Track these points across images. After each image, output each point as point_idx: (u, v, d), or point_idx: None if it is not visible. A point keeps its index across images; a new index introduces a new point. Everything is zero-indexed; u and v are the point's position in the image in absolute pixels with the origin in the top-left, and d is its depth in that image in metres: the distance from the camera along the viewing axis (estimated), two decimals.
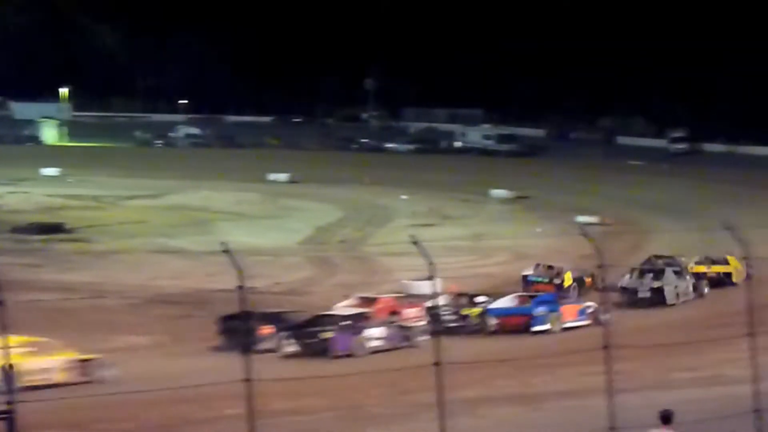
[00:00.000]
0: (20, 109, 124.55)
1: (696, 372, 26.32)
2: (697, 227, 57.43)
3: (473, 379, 24.09)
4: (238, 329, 37.67)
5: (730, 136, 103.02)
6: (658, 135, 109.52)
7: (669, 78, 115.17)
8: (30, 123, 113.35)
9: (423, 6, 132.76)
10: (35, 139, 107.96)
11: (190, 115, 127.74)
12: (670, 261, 44.09)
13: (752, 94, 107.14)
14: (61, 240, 53.22)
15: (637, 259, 46.05)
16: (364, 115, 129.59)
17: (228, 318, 30.76)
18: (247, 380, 14.21)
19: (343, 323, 32.18)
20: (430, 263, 16.41)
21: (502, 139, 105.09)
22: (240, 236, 53.40)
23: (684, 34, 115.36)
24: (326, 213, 67.37)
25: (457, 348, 22.66)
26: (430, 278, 17.98)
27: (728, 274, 47.19)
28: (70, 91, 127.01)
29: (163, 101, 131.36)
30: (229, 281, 20.45)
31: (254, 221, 63.46)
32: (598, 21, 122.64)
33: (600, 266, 18.65)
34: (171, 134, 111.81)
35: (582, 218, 60.53)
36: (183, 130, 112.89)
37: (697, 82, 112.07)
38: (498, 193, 75.45)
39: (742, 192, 73.11)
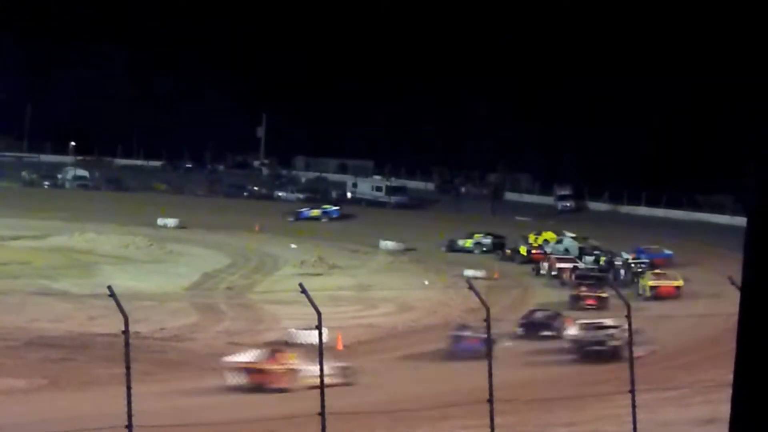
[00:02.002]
0: None
1: (575, 427, 26.63)
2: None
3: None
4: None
5: (614, 195, 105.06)
6: (546, 192, 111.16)
7: (556, 134, 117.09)
8: None
9: (316, 55, 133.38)
10: None
11: (78, 157, 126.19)
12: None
13: (637, 151, 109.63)
14: None
15: (521, 313, 46.52)
16: (255, 163, 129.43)
17: None
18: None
19: None
20: (317, 312, 16.43)
21: (392, 190, 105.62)
22: (125, 280, 52.81)
23: (575, 94, 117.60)
24: (214, 259, 66.99)
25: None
26: (316, 327, 17.99)
27: (678, 288, 56.82)
28: None
29: (51, 142, 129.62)
30: (112, 325, 20.32)
31: (140, 265, 62.81)
32: (486, 78, 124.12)
33: (485, 320, 18.84)
34: (59, 175, 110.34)
35: (469, 272, 61.18)
36: (71, 172, 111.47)
37: (583, 139, 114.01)
38: (386, 244, 75.79)
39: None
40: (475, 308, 21.75)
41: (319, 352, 17.72)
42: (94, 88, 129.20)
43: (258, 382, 31.42)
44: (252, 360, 32.53)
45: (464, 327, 38.94)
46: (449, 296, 52.92)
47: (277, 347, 35.46)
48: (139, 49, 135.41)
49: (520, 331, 42.83)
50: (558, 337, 41.71)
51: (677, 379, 32.27)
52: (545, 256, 68.26)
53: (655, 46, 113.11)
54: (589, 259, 67.79)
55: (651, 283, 57.40)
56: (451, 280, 59.15)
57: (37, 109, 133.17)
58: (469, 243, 74.68)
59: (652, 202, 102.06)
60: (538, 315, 44.95)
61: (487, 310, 18.37)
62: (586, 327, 39.60)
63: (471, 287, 19.55)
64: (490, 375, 17.54)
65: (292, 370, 31.54)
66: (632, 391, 18.61)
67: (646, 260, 65.55)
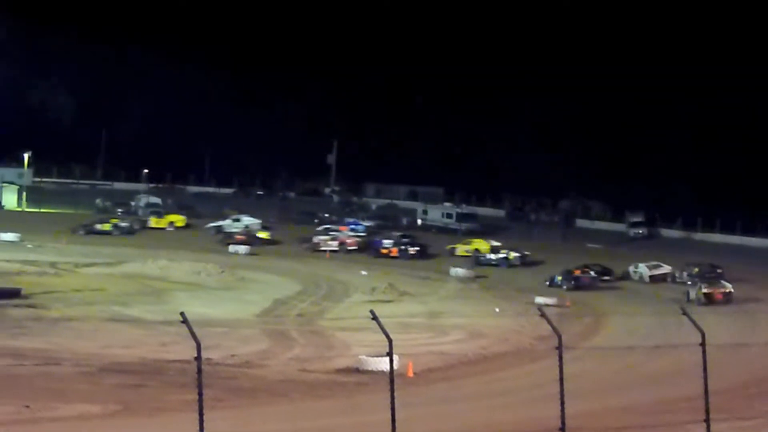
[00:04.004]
0: None
1: None
2: (653, 312, 57.80)
3: None
4: None
5: (687, 222, 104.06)
6: (617, 219, 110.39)
7: (629, 161, 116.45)
8: None
9: (387, 83, 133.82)
10: None
11: (151, 185, 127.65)
12: None
13: (711, 178, 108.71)
14: (16, 306, 52.71)
15: (593, 343, 46.12)
16: (326, 190, 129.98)
17: None
18: None
19: None
20: (389, 339, 16.39)
21: (462, 217, 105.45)
22: (197, 307, 53.15)
23: (643, 121, 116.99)
24: (285, 286, 67.22)
25: None
26: (387, 354, 17.95)
27: (729, 293, 64.60)
28: (30, 157, 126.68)
29: (125, 170, 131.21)
30: (183, 351, 20.40)
31: (212, 292, 63.18)
32: (560, 105, 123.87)
33: (557, 348, 18.68)
34: (132, 203, 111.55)
35: (540, 299, 60.81)
36: (144, 200, 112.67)
37: (656, 166, 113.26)
38: (457, 271, 75.71)
39: None
40: (547, 336, 21.54)
41: (390, 379, 17.66)
42: (168, 117, 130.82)
43: None
44: None
45: None
46: (520, 324, 52.59)
47: None
48: (211, 78, 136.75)
49: None
50: None
51: (754, 409, 31.74)
52: None
53: (726, 70, 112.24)
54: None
55: (704, 290, 64.47)
56: (522, 308, 58.82)
57: (112, 138, 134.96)
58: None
59: (727, 229, 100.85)
60: None
61: (559, 337, 18.22)
62: None
63: (542, 315, 19.41)
64: (563, 404, 17.36)
65: None
66: (707, 420, 18.33)
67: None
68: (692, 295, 65.09)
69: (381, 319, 17.37)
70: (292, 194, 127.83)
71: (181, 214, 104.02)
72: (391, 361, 17.79)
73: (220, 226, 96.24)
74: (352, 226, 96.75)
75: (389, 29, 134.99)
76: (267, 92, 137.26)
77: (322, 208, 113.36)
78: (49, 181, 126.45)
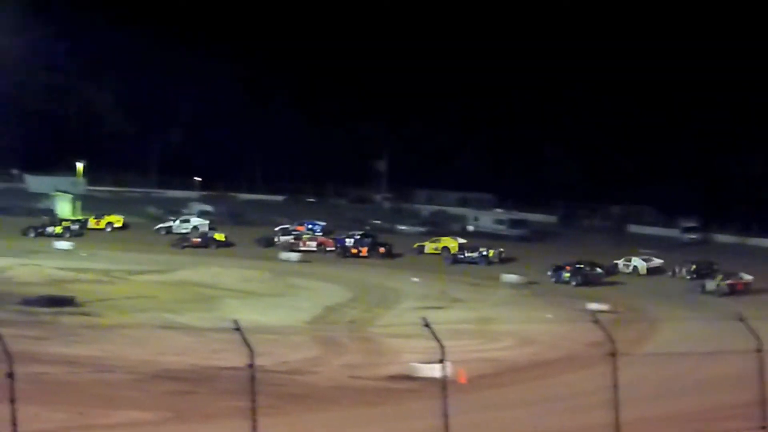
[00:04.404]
0: (35, 182, 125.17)
1: None
2: (707, 317, 57.27)
3: None
4: None
5: (742, 227, 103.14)
6: (670, 224, 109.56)
7: (681, 166, 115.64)
8: (44, 196, 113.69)
9: (437, 90, 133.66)
10: (49, 213, 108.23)
11: (203, 192, 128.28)
12: None
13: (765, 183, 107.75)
14: (70, 313, 53.14)
15: (647, 348, 45.78)
16: (377, 197, 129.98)
17: None
18: None
19: None
20: (441, 346, 16.31)
21: (514, 224, 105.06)
22: (248, 314, 53.31)
23: (697, 124, 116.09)
24: (335, 293, 67.30)
25: None
26: (439, 361, 17.88)
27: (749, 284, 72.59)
28: (84, 166, 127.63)
29: (178, 178, 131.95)
30: (234, 358, 20.39)
31: (263, 299, 63.37)
32: (611, 110, 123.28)
33: (612, 354, 18.53)
34: (184, 210, 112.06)
35: (592, 305, 60.44)
36: (196, 207, 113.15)
37: (709, 171, 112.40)
38: (508, 277, 75.48)
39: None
40: (599, 342, 21.46)
41: (443, 386, 17.57)
42: (220, 125, 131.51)
43: None
44: None
45: None
46: (572, 330, 52.27)
47: None
48: (264, 86, 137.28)
49: None
50: None
51: None
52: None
53: None
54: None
55: (727, 281, 72.66)
56: (574, 314, 58.49)
57: (164, 146, 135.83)
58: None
59: None
60: None
61: (612, 343, 18.05)
62: None
63: (595, 321, 19.25)
64: (617, 410, 17.21)
65: None
66: (766, 428, 18.08)
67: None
68: (710, 286, 72.96)
69: (432, 326, 17.30)
70: (342, 201, 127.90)
71: (233, 222, 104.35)
72: (444, 368, 17.71)
73: (169, 227, 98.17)
74: (310, 226, 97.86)
75: (440, 36, 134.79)
76: (318, 100, 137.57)
77: (372, 215, 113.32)
78: (102, 190, 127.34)
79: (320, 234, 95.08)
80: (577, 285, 75.30)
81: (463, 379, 39.05)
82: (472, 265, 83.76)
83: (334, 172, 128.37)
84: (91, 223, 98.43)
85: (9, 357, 16.72)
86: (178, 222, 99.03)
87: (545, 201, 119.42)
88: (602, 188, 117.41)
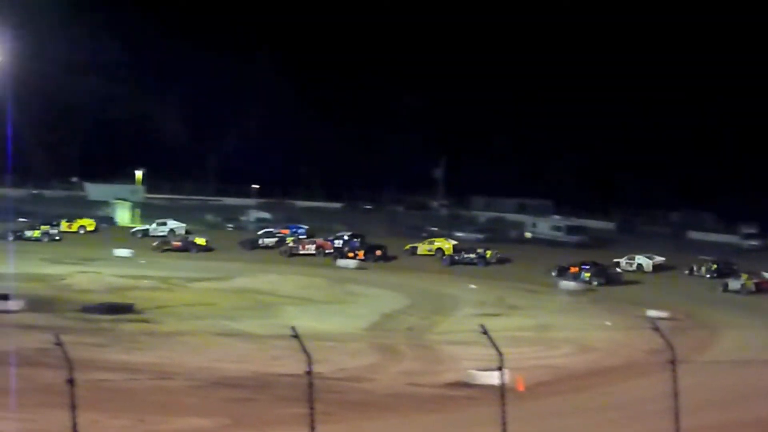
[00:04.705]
0: (95, 190, 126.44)
1: None
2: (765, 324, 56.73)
3: None
4: None
5: None
6: (729, 231, 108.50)
7: (741, 173, 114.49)
8: (104, 204, 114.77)
9: (494, 96, 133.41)
10: (109, 220, 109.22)
11: (260, 200, 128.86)
12: None
13: None
14: (130, 320, 53.55)
15: (707, 356, 45.33)
16: (434, 204, 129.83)
17: None
18: None
19: None
20: (499, 353, 16.22)
21: (571, 230, 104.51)
22: (306, 321, 53.43)
23: (758, 130, 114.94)
24: (393, 300, 67.27)
25: None
26: (498, 368, 17.79)
27: None
28: (143, 174, 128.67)
29: (235, 185, 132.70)
30: (293, 365, 20.40)
31: (320, 306, 63.50)
32: (670, 117, 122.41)
33: (672, 362, 18.34)
34: (242, 218, 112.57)
35: (652, 312, 59.96)
36: (253, 215, 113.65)
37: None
38: (566, 284, 75.10)
39: None
40: (659, 349, 21.24)
41: (501, 393, 17.48)
42: (277, 132, 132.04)
43: None
44: None
45: None
46: (631, 337, 51.90)
47: None
48: (320, 93, 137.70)
49: None
50: None
51: None
52: None
53: None
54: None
55: (754, 280, 75.11)
56: (633, 321, 58.09)
57: (222, 154, 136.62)
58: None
59: None
60: None
61: (673, 351, 17.87)
62: None
63: (656, 328, 19.07)
64: (677, 418, 17.02)
65: None
66: None
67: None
68: (734, 285, 75.43)
69: (490, 333, 17.22)
70: (399, 208, 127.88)
71: (287, 228, 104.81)
72: (502, 375, 17.63)
73: (146, 230, 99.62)
74: (294, 229, 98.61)
75: (496, 43, 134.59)
76: (374, 107, 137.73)
77: (429, 222, 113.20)
78: (161, 198, 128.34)
79: (304, 237, 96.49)
80: (600, 285, 76.78)
81: (521, 387, 38.86)
82: (530, 269, 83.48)
83: (391, 179, 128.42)
84: (64, 226, 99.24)
85: (69, 363, 16.84)
86: (155, 225, 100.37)
87: (604, 207, 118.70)
88: (661, 195, 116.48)
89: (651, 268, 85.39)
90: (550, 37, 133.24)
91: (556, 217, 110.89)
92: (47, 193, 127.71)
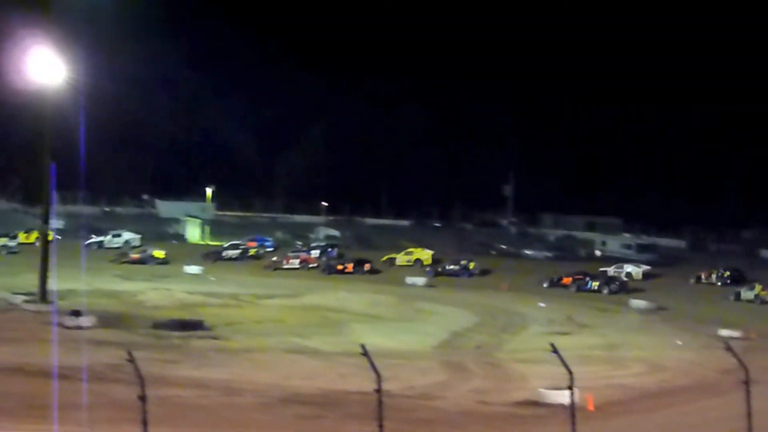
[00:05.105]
0: (165, 208, 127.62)
1: None
2: None
3: None
4: None
5: None
6: None
7: None
8: (174, 221, 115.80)
9: (563, 116, 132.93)
10: (179, 237, 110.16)
11: (329, 217, 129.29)
12: None
13: None
14: (200, 337, 53.86)
15: None
16: (503, 221, 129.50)
17: None
18: None
19: None
20: (569, 372, 16.12)
21: (642, 248, 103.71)
22: (375, 338, 53.42)
23: None
24: (462, 317, 67.10)
25: None
26: (568, 387, 17.67)
27: None
28: (214, 191, 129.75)
29: (304, 203, 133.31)
30: (362, 383, 20.45)
31: (389, 323, 63.43)
32: (740, 133, 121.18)
33: (745, 382, 18.11)
34: (310, 235, 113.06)
35: (724, 331, 59.24)
36: (322, 232, 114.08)
37: None
38: (637, 303, 74.48)
39: None
40: (732, 369, 20.98)
41: (571, 413, 17.36)
42: (346, 150, 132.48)
43: None
44: None
45: None
46: (703, 357, 51.33)
47: None
48: (389, 111, 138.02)
49: None
50: None
51: None
52: None
53: None
54: None
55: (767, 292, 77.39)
56: (705, 340, 57.46)
57: (291, 171, 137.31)
58: None
59: None
60: None
61: (746, 371, 17.65)
62: None
63: (728, 347, 18.84)
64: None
65: None
66: None
67: None
68: (747, 295, 77.77)
69: (560, 352, 17.11)
70: (468, 226, 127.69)
71: (359, 246, 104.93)
72: (572, 394, 17.51)
73: (101, 242, 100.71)
74: (260, 242, 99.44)
75: (563, 63, 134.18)
76: (444, 124, 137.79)
77: (499, 240, 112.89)
78: (230, 215, 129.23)
79: (271, 249, 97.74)
80: (611, 293, 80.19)
81: (591, 406, 38.57)
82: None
83: (460, 197, 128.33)
84: (21, 237, 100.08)
85: (141, 379, 17.00)
86: (110, 237, 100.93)
87: (674, 225, 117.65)
88: (733, 213, 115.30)
89: (641, 276, 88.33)
90: (618, 57, 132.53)
91: (626, 235, 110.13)
92: (119, 210, 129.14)
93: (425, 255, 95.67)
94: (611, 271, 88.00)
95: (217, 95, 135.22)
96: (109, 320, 56.82)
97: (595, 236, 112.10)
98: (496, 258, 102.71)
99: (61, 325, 53.30)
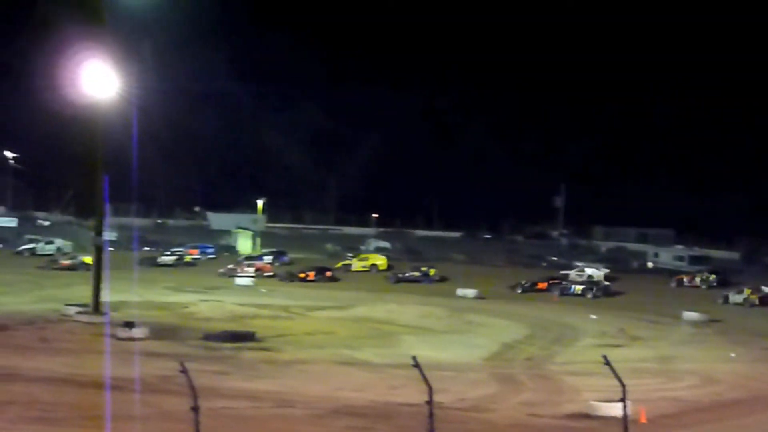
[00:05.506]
0: (216, 220, 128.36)
1: None
2: None
3: None
4: None
5: None
6: None
7: None
8: (225, 233, 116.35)
9: (612, 126, 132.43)
10: (230, 249, 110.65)
11: (380, 229, 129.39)
12: None
13: None
14: (250, 348, 54.03)
15: None
16: (554, 233, 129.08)
17: None
18: None
19: None
20: (622, 384, 16.03)
21: (695, 260, 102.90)
22: (425, 350, 53.35)
23: None
24: (513, 329, 66.86)
25: None
26: (620, 400, 17.57)
27: None
28: (265, 203, 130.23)
29: (355, 215, 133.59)
30: (412, 395, 20.44)
31: (439, 336, 63.35)
32: None
33: None
34: (361, 247, 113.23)
35: None
36: (373, 244, 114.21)
37: None
38: (690, 315, 73.88)
39: None
40: None
41: (624, 425, 17.25)
42: (396, 162, 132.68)
43: None
44: None
45: None
46: (758, 370, 50.84)
47: None
48: (439, 124, 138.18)
49: None
50: None
51: None
52: None
53: None
54: None
55: (759, 294, 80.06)
56: (759, 353, 56.91)
57: (342, 184, 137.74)
58: None
59: None
60: None
61: None
62: None
63: None
64: None
65: None
66: None
67: None
68: (736, 299, 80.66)
69: (612, 364, 16.98)
70: (519, 238, 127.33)
71: (409, 258, 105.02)
72: (625, 406, 17.38)
73: (33, 248, 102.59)
74: (203, 249, 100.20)
75: (614, 76, 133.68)
76: (493, 137, 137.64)
77: (549, 252, 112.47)
78: (281, 227, 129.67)
79: (213, 256, 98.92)
80: (595, 297, 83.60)
81: (643, 419, 38.29)
82: (652, 299, 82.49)
83: (510, 209, 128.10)
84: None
85: (194, 391, 17.08)
86: (42, 244, 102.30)
87: (728, 237, 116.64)
88: None
89: (602, 278, 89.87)
90: (670, 70, 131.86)
91: (679, 246, 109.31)
92: (171, 222, 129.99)
93: (380, 260, 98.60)
94: (573, 273, 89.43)
95: (268, 108, 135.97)
96: (160, 332, 57.17)
97: (647, 248, 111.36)
98: (547, 270, 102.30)
99: (113, 337, 53.73)
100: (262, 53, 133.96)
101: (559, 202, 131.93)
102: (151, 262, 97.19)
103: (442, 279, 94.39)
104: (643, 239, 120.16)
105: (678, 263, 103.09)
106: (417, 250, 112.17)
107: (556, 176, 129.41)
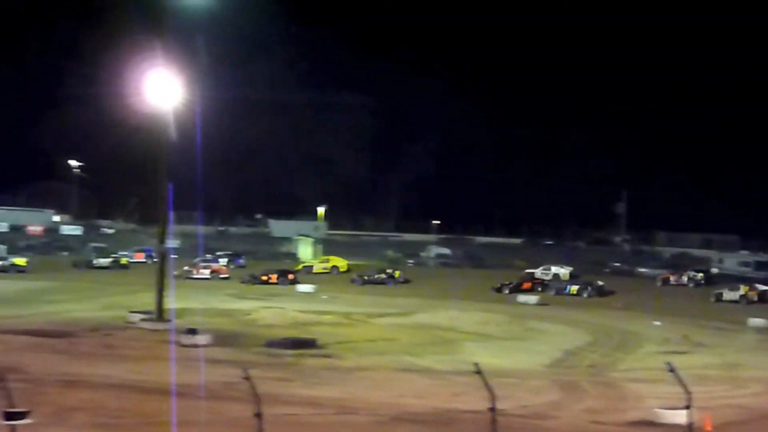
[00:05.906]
0: (278, 227, 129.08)
1: None
2: None
3: None
4: None
5: None
6: None
7: None
8: (287, 240, 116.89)
9: (672, 130, 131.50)
10: (291, 256, 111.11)
11: (440, 236, 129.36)
12: None
13: None
14: (312, 355, 54.20)
15: None
16: (616, 239, 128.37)
17: None
18: None
19: None
20: (687, 391, 15.91)
21: (761, 266, 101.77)
22: (486, 357, 53.21)
23: None
24: (575, 336, 66.53)
25: None
26: (686, 407, 17.43)
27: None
28: (325, 210, 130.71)
29: (415, 221, 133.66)
30: (475, 402, 20.43)
31: (500, 342, 63.17)
32: None
33: None
34: (422, 254, 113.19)
35: None
36: (434, 250, 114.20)
37: None
38: (756, 322, 73.07)
39: None
40: None
41: None
42: (457, 169, 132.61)
43: None
44: None
45: None
46: None
47: None
48: (500, 131, 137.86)
49: None
50: None
51: None
52: None
53: None
54: None
55: (757, 291, 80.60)
56: None
57: (402, 190, 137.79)
58: None
59: None
60: None
61: None
62: None
63: None
64: None
65: None
66: None
67: None
68: (730, 296, 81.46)
69: (676, 371, 16.85)
70: (581, 243, 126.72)
71: (470, 264, 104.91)
72: (689, 414, 17.25)
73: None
74: (149, 252, 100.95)
75: (676, 79, 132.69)
76: (555, 143, 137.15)
77: (611, 257, 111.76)
78: (342, 234, 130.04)
79: (243, 265, 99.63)
80: (590, 297, 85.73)
81: (708, 426, 37.94)
82: (715, 306, 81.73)
83: (572, 215, 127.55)
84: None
85: (257, 397, 17.20)
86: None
87: None
88: None
89: (568, 277, 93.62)
90: (730, 71, 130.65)
91: (744, 252, 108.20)
92: (233, 229, 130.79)
93: (341, 263, 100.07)
94: (539, 272, 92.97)
95: (328, 115, 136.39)
96: (223, 339, 57.54)
97: (712, 254, 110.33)
98: (609, 276, 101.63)
99: (177, 344, 54.14)
100: (323, 60, 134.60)
101: (621, 207, 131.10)
102: (87, 265, 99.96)
103: (406, 281, 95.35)
104: (707, 245, 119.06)
105: (743, 269, 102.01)
106: (478, 257, 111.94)
107: (618, 181, 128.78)
